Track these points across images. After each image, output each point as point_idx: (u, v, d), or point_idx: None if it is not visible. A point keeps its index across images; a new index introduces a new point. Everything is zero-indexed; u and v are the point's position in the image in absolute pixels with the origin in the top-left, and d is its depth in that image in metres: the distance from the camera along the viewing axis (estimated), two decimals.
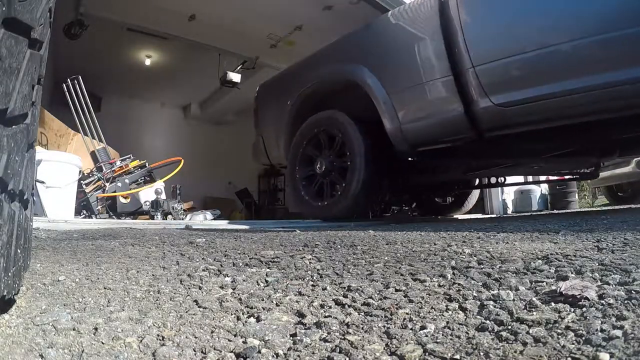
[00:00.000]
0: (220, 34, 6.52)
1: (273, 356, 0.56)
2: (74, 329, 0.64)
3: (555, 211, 6.37)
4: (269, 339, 0.62)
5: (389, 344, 0.59)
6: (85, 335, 0.62)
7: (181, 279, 1.02)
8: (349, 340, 0.60)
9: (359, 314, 0.72)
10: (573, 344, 0.52)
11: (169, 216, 4.50)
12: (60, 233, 2.11)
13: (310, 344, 0.60)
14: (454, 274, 0.98)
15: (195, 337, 0.63)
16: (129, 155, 4.90)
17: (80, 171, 3.96)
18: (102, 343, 0.60)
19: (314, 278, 1.02)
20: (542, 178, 9.59)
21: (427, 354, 0.54)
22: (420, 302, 0.76)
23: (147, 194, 4.55)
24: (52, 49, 5.84)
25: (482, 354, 0.52)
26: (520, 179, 5.72)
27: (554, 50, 2.19)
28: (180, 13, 5.87)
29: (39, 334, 0.62)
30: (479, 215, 6.66)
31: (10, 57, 0.55)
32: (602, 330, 0.55)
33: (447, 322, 0.65)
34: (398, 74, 2.93)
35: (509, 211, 7.22)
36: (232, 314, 0.75)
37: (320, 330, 0.65)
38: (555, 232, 1.95)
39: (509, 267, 1.02)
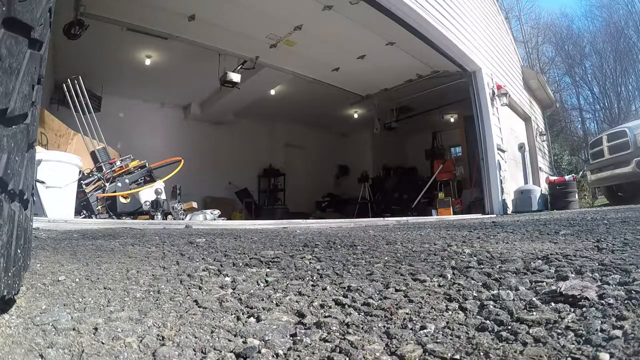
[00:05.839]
0: (220, 34, 6.51)
1: (273, 356, 0.56)
2: (74, 329, 0.64)
3: (555, 211, 6.37)
4: (269, 339, 0.62)
5: (389, 344, 0.59)
6: (85, 335, 0.62)
7: (181, 279, 1.02)
8: (349, 340, 0.60)
9: (359, 314, 0.72)
10: (573, 344, 0.52)
11: (169, 216, 4.50)
12: (60, 233, 2.11)
13: (310, 344, 0.60)
14: (454, 274, 0.98)
15: (195, 337, 0.63)
16: (129, 155, 4.89)
17: (80, 171, 3.96)
18: (102, 343, 0.60)
19: (314, 278, 1.02)
20: (543, 179, 9.61)
21: (427, 354, 0.54)
22: (420, 302, 0.76)
23: (147, 194, 4.54)
24: (52, 49, 5.84)
25: (482, 354, 0.52)
26: None
27: None
28: (180, 13, 5.86)
29: (39, 334, 0.62)
30: (479, 215, 6.66)
31: (10, 57, 0.55)
32: (602, 330, 0.55)
33: (447, 322, 0.65)
34: None
35: (509, 211, 7.22)
36: (232, 314, 0.75)
37: (320, 330, 0.65)
38: (555, 232, 1.95)
39: (509, 267, 1.02)
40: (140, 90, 9.06)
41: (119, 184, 4.41)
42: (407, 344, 0.58)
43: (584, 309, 0.64)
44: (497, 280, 0.88)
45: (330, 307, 0.77)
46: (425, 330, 0.62)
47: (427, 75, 8.43)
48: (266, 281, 0.99)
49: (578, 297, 0.68)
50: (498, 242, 1.59)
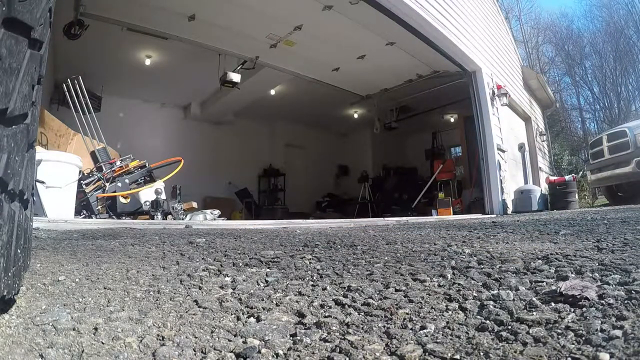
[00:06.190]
0: (220, 34, 6.50)
1: (273, 356, 0.56)
2: (74, 329, 0.64)
3: (555, 211, 6.37)
4: (269, 339, 0.62)
5: (389, 344, 0.59)
6: (85, 335, 0.62)
7: (181, 279, 1.02)
8: (349, 340, 0.60)
9: (359, 314, 0.72)
10: (573, 344, 0.52)
11: (169, 216, 4.50)
12: (60, 233, 2.11)
13: (310, 344, 0.60)
14: (454, 274, 0.98)
15: (195, 337, 0.63)
16: (129, 155, 4.89)
17: (80, 171, 3.96)
18: (102, 343, 0.60)
19: (314, 278, 1.02)
20: (543, 179, 9.61)
21: (427, 354, 0.54)
22: (420, 302, 0.76)
23: (147, 194, 4.55)
24: (52, 49, 5.83)
25: (482, 354, 0.52)
26: None
27: None
28: (180, 13, 5.85)
29: (39, 334, 0.62)
30: (479, 215, 6.66)
31: (10, 57, 0.55)
32: (602, 330, 0.55)
33: (447, 322, 0.65)
34: None
35: (509, 211, 7.22)
36: (232, 314, 0.75)
37: (320, 330, 0.65)
38: (555, 232, 1.95)
39: (509, 267, 1.02)
40: (140, 90, 9.06)
41: (119, 184, 4.41)
42: (407, 344, 0.58)
43: (584, 309, 0.64)
44: (497, 280, 0.88)
45: (330, 307, 0.77)
46: (425, 330, 0.62)
47: (427, 75, 8.43)
48: (266, 281, 0.99)
49: (578, 297, 0.68)
50: (498, 242, 1.59)
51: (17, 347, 0.57)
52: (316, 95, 9.50)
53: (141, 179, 4.76)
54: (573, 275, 0.87)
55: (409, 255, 1.30)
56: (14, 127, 0.59)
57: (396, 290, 0.85)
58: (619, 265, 0.94)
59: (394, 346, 0.58)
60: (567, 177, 7.98)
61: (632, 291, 0.69)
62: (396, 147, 13.20)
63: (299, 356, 0.56)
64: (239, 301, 0.82)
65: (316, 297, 0.84)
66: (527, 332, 0.57)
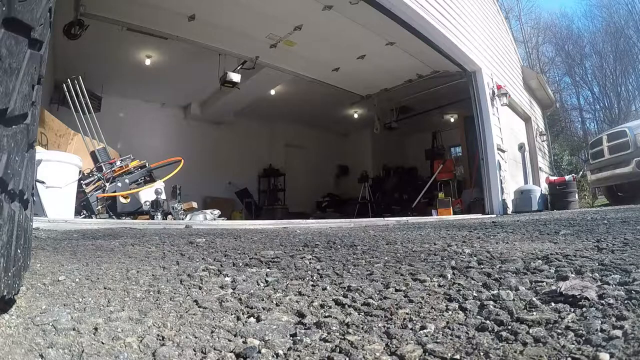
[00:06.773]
0: (220, 34, 6.51)
1: (273, 356, 0.56)
2: (74, 329, 0.64)
3: (555, 211, 6.37)
4: (269, 339, 0.62)
5: (389, 344, 0.59)
6: (85, 335, 0.62)
7: (181, 279, 1.02)
8: (349, 340, 0.60)
9: (359, 314, 0.72)
10: (573, 344, 0.52)
11: (169, 216, 4.50)
12: (60, 233, 2.11)
13: (310, 344, 0.60)
14: (454, 274, 0.98)
15: (195, 337, 0.63)
16: (129, 155, 4.89)
17: (80, 171, 3.96)
18: (102, 343, 0.60)
19: (314, 278, 1.02)
20: (543, 179, 9.61)
21: (427, 354, 0.54)
22: (420, 302, 0.76)
23: (147, 194, 4.54)
24: (52, 49, 5.83)
25: (482, 354, 0.52)
26: None
27: None
28: (180, 13, 5.86)
29: (39, 334, 0.62)
30: (479, 215, 6.66)
31: (10, 57, 0.55)
32: (602, 330, 0.55)
33: (447, 322, 0.65)
34: None
35: (509, 211, 7.22)
36: (232, 314, 0.75)
37: (320, 330, 0.65)
38: (555, 232, 1.95)
39: (509, 267, 1.02)
40: (140, 90, 9.05)
41: (119, 184, 4.41)
42: (407, 344, 0.58)
43: (584, 309, 0.64)
44: (497, 280, 0.88)
45: (330, 307, 0.77)
46: (425, 330, 0.62)
47: (427, 75, 8.43)
48: (266, 281, 0.99)
49: (578, 297, 0.68)
50: (498, 242, 1.59)
51: (17, 347, 0.57)
52: (316, 95, 9.49)
53: (141, 179, 4.76)
54: (573, 275, 0.87)
55: (409, 255, 1.31)
56: (14, 127, 0.59)
57: (396, 290, 0.86)
58: (619, 265, 0.94)
59: (394, 346, 0.58)
60: (567, 177, 7.98)
61: (632, 291, 0.69)
62: (396, 147, 13.20)
63: (299, 356, 0.56)
64: (239, 301, 0.82)
65: (316, 297, 0.84)
66: (527, 332, 0.57)
